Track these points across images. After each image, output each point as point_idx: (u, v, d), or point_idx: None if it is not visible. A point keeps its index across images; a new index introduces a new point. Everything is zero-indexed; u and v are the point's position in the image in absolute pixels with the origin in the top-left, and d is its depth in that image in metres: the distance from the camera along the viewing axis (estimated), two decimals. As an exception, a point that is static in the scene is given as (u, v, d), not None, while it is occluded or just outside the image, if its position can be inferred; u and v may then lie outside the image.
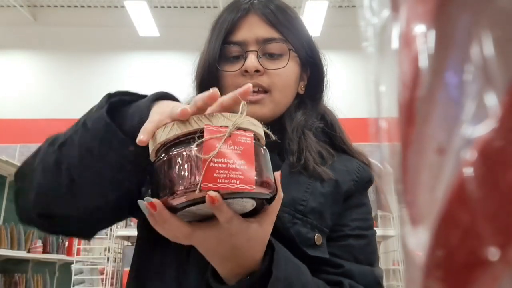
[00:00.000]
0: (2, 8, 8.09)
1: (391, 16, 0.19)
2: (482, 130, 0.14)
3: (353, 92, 4.49)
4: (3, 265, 4.24)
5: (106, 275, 2.70)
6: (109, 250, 2.76)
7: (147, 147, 0.52)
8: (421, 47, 0.16)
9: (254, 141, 0.49)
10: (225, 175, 0.46)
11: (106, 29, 8.06)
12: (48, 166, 0.62)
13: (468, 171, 0.14)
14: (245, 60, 0.71)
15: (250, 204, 0.51)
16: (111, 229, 2.77)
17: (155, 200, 0.48)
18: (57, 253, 5.08)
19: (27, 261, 4.75)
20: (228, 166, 0.46)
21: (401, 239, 0.18)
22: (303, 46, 0.76)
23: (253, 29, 0.72)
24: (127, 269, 2.70)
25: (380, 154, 0.20)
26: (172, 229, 0.49)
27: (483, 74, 0.14)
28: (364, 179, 0.75)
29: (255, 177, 0.47)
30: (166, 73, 8.09)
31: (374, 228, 0.77)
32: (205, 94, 0.50)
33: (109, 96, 0.63)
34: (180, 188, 0.47)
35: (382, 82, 0.19)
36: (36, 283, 4.66)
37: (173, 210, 0.49)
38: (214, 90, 0.50)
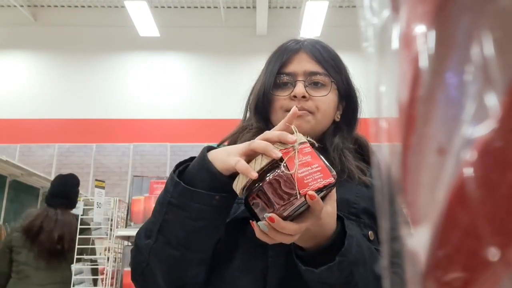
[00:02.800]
0: (2, 8, 8.09)
1: (391, 17, 0.19)
2: (482, 130, 0.14)
3: (353, 92, 4.51)
4: (3, 265, 4.23)
5: (106, 275, 2.70)
6: (109, 250, 2.76)
7: (229, 193, 0.69)
8: (421, 47, 0.16)
9: (312, 148, 0.65)
10: (311, 179, 0.62)
11: (106, 29, 8.06)
12: (162, 256, 0.74)
13: (468, 171, 0.14)
14: (294, 87, 0.87)
15: (322, 193, 0.66)
16: (111, 229, 2.77)
17: (271, 214, 0.62)
18: (57, 253, 5.07)
19: (27, 261, 4.74)
20: (309, 171, 0.62)
21: (401, 239, 0.18)
22: (342, 81, 0.91)
23: (302, 64, 0.89)
24: (127, 269, 2.70)
25: (380, 154, 0.20)
26: (289, 231, 0.63)
27: (483, 75, 0.14)
28: None
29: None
30: (166, 73, 8.09)
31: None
32: (288, 116, 0.70)
33: (174, 172, 0.76)
34: (285, 201, 0.61)
35: (382, 82, 0.19)
36: (36, 283, 4.66)
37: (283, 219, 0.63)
38: (294, 109, 0.69)
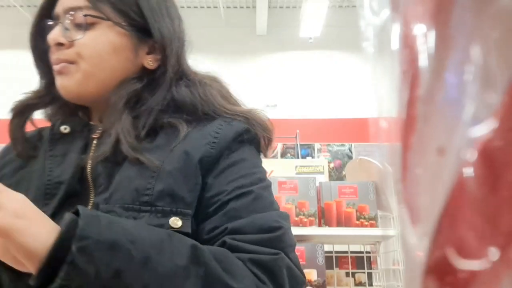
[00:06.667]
0: (2, 8, 8.10)
1: (391, 16, 0.19)
2: (482, 130, 0.14)
3: (353, 92, 4.49)
4: (3, 265, 4.24)
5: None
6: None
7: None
8: (421, 47, 0.16)
9: None
10: None
11: (106, 29, 8.07)
12: None
13: (468, 171, 0.14)
14: None
15: None
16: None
17: None
18: (57, 253, 5.07)
19: (27, 261, 4.75)
20: None
21: (401, 239, 0.18)
22: (129, 14, 0.69)
23: (63, 0, 0.68)
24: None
25: (380, 154, 0.20)
26: None
27: (483, 74, 0.14)
28: (228, 136, 0.68)
29: None
30: (166, 73, 8.09)
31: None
32: None
33: None
34: None
35: (382, 82, 0.19)
36: (36, 283, 4.66)
37: None
38: None
